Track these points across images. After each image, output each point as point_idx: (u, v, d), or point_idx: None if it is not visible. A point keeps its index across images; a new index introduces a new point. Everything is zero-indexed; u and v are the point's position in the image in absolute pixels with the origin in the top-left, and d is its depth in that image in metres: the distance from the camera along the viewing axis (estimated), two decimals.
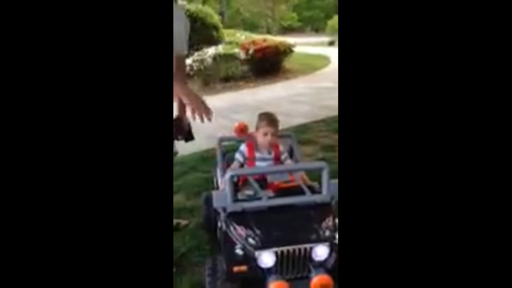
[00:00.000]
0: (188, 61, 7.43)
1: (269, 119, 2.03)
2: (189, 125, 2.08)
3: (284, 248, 1.46)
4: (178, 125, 2.02)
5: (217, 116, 5.74)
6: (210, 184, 2.55)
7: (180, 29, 1.90)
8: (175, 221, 2.40)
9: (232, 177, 1.59)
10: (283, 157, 2.10)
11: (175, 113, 2.03)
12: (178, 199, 2.80)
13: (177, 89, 1.62)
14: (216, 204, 1.62)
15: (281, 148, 2.12)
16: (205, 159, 3.53)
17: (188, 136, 2.09)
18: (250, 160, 2.06)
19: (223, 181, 1.96)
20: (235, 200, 1.62)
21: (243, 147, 2.09)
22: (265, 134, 2.01)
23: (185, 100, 1.64)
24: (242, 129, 2.19)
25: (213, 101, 6.61)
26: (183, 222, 2.44)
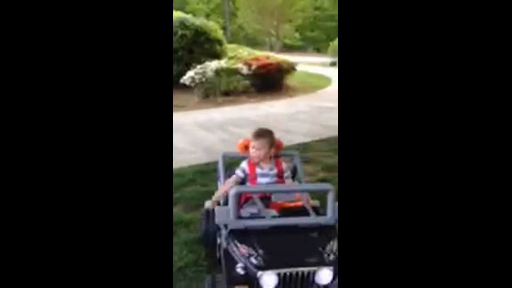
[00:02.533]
0: (190, 73, 7.47)
1: (255, 133, 2.04)
2: None
3: (287, 270, 1.42)
4: None
5: (217, 129, 5.70)
6: (208, 198, 2.50)
7: None
8: None
9: (237, 193, 1.56)
10: (285, 175, 2.07)
11: None
12: (176, 211, 2.75)
13: None
14: (218, 220, 1.59)
15: (284, 166, 2.09)
16: (204, 172, 3.48)
17: None
18: (251, 177, 2.03)
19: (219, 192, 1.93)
20: (238, 217, 1.59)
21: (244, 164, 2.06)
22: (252, 148, 2.01)
23: None
24: (246, 146, 2.17)
25: (213, 114, 6.62)
26: None
